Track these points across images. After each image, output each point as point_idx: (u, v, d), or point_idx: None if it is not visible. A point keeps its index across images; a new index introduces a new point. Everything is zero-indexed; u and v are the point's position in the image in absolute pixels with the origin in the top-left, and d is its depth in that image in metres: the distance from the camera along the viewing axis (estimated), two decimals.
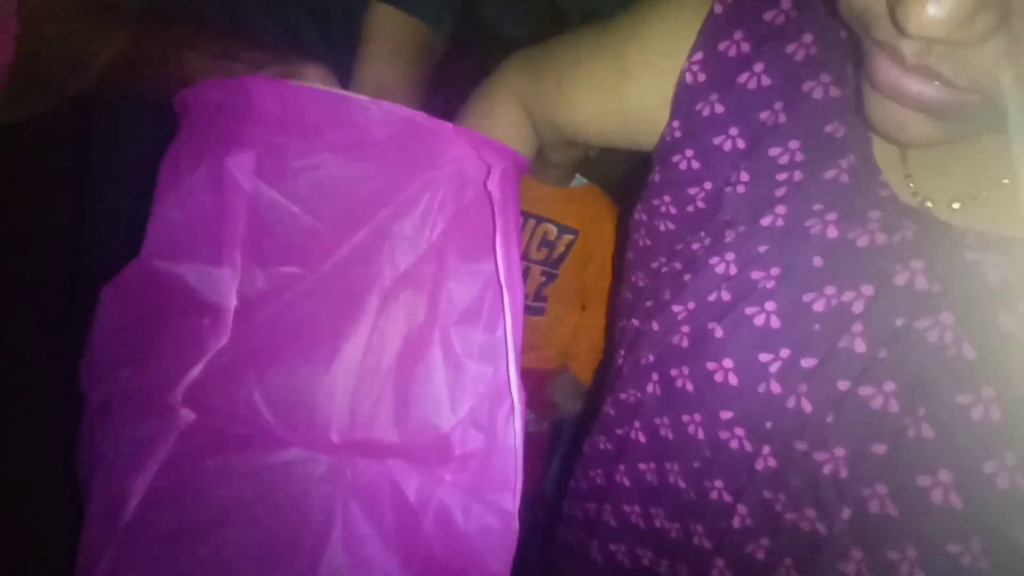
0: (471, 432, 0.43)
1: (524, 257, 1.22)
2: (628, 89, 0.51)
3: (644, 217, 0.53)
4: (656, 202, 0.51)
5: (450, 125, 0.45)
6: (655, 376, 0.47)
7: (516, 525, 0.42)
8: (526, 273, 1.23)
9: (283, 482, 0.42)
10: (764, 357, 0.41)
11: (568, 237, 1.28)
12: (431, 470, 0.43)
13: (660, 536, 0.51)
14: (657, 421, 0.48)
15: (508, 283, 0.43)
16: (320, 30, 0.71)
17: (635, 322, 0.52)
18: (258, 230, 0.44)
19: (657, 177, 0.51)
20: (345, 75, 0.66)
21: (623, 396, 0.51)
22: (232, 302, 0.44)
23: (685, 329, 0.45)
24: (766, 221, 0.43)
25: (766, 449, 0.42)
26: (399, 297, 0.44)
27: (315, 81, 0.52)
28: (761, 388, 0.41)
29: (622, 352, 0.53)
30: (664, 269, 0.50)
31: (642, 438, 0.50)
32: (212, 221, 0.45)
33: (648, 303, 0.50)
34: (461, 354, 0.43)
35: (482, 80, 0.63)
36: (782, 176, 0.43)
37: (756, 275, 0.42)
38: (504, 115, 0.60)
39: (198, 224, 0.45)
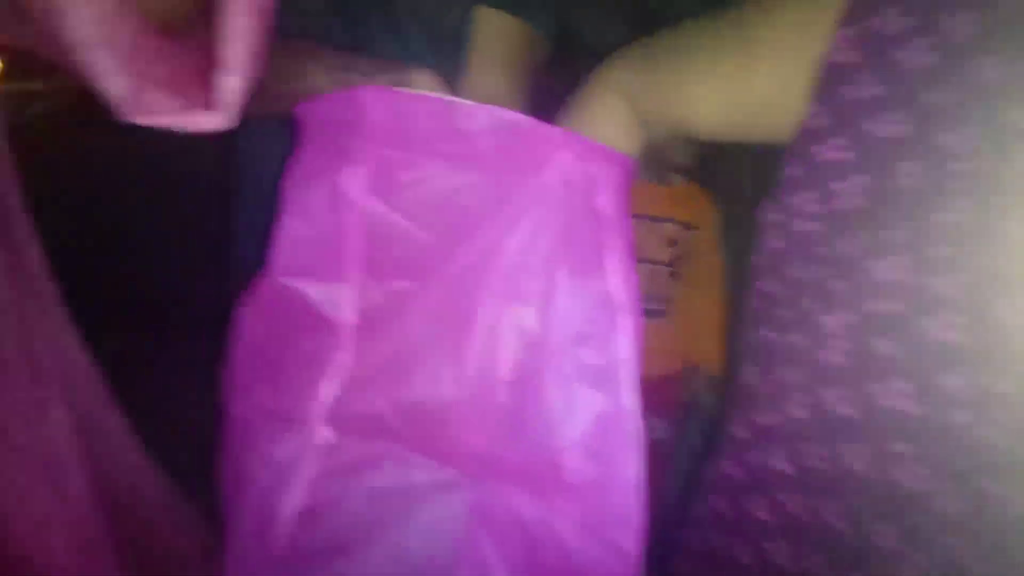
0: (584, 460, 0.41)
1: (647, 259, 1.20)
2: (758, 75, 0.46)
3: (777, 217, 0.48)
4: (793, 199, 0.46)
5: (558, 129, 0.44)
6: (801, 397, 0.42)
7: (637, 567, 0.39)
8: (649, 275, 1.20)
9: (419, 503, 0.43)
10: (947, 380, 0.36)
11: (689, 234, 1.25)
12: (548, 499, 0.42)
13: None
14: (804, 449, 0.43)
15: (626, 305, 0.41)
16: (430, 43, 0.71)
17: (770, 334, 0.47)
18: (374, 245, 0.45)
19: (795, 170, 0.46)
20: (455, 86, 0.66)
21: (758, 418, 0.46)
22: (352, 319, 0.45)
23: (841, 344, 0.40)
24: (944, 218, 0.37)
25: (950, 488, 0.37)
26: (510, 314, 0.43)
27: (424, 87, 0.52)
28: (944, 417, 0.36)
29: (753, 367, 0.48)
30: (804, 275, 0.45)
31: (786, 468, 0.45)
32: (331, 238, 0.46)
33: (784, 313, 0.46)
34: (572, 376, 0.41)
35: (570, 89, 0.60)
36: (959, 166, 0.38)
37: (935, 282, 0.37)
38: (610, 115, 0.57)
39: (319, 241, 0.46)
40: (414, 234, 0.45)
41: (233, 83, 0.34)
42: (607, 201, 0.43)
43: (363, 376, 0.44)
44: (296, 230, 0.47)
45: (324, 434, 0.44)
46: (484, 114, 0.43)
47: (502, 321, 0.43)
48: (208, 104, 0.34)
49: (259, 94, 0.60)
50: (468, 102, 0.44)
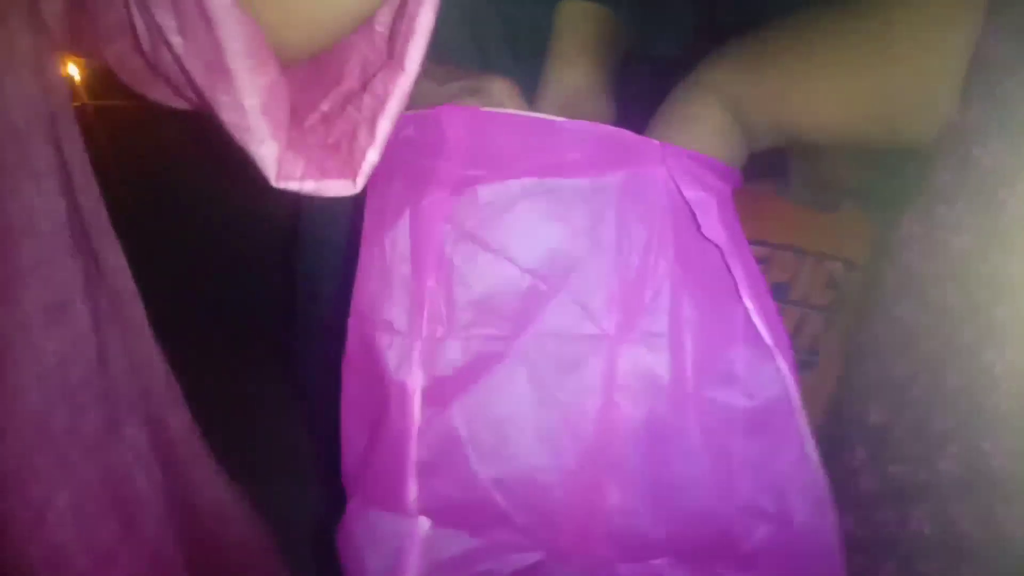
0: (756, 522, 0.36)
1: (800, 302, 1.02)
2: (893, 70, 0.41)
3: (920, 229, 0.42)
4: (942, 209, 0.40)
5: (656, 142, 0.39)
6: (954, 449, 0.37)
7: None
8: (799, 320, 1.04)
9: None
10: None
11: (855, 275, 1.05)
12: (711, 569, 0.37)
13: None
14: (953, 511, 0.37)
15: (773, 337, 0.36)
16: (508, 43, 0.68)
17: (903, 370, 0.41)
18: (450, 283, 0.40)
19: (945, 176, 0.40)
20: (533, 91, 0.62)
21: (892, 470, 0.41)
22: (417, 382, 0.40)
23: (1008, 387, 0.34)
24: None
25: None
26: (631, 359, 0.37)
27: (501, 97, 0.48)
28: None
29: (886, 410, 0.42)
30: (956, 302, 0.39)
31: (926, 529, 0.39)
32: (408, 279, 0.41)
33: (928, 345, 0.40)
34: (721, 428, 0.36)
35: (634, 103, 0.55)
36: None
37: None
38: (707, 123, 0.51)
39: (395, 283, 0.42)
40: (498, 265, 0.39)
41: (375, 156, 0.34)
42: (720, 222, 0.38)
43: (449, 449, 0.39)
44: (373, 268, 0.43)
45: (424, 525, 0.40)
46: (573, 129, 0.39)
47: (620, 367, 0.37)
48: (343, 173, 0.34)
49: None
50: (555, 118, 0.40)
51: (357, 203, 0.78)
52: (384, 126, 0.34)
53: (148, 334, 0.44)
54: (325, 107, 0.37)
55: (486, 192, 0.40)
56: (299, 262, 0.84)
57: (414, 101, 0.53)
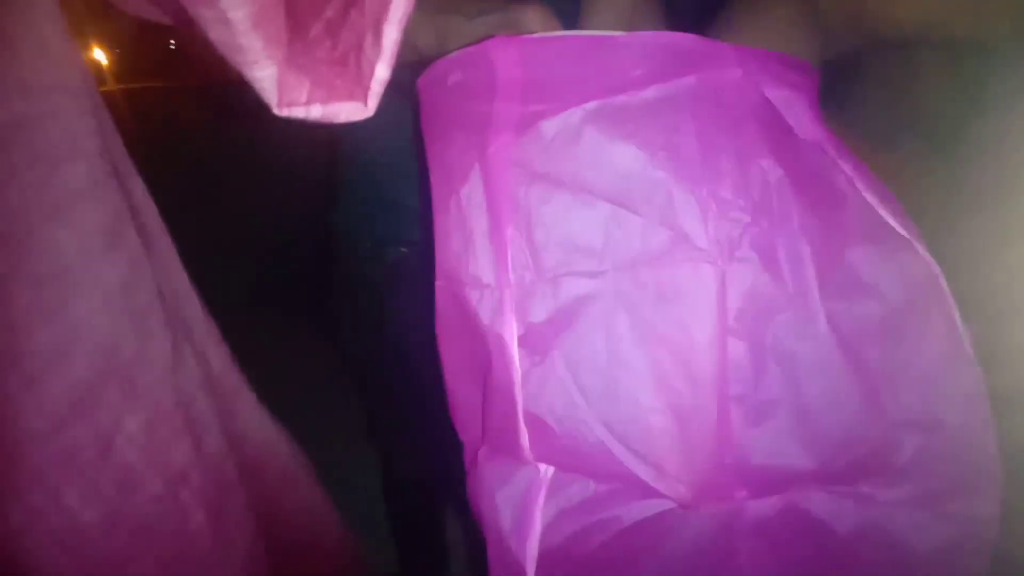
0: (905, 434, 0.34)
1: None
2: None
3: None
4: None
5: (726, 45, 0.36)
6: None
7: (993, 529, 0.33)
8: None
9: (670, 534, 0.37)
10: None
11: None
12: (858, 491, 0.34)
13: None
14: None
15: (906, 228, 0.33)
16: None
17: None
18: (530, 228, 0.38)
19: None
20: (568, 16, 0.60)
21: None
22: (514, 331, 0.38)
23: None
24: None
25: None
26: (741, 279, 0.34)
27: (536, 24, 0.46)
28: None
29: None
30: None
31: None
32: (485, 231, 0.40)
33: None
34: (856, 338, 0.34)
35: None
36: None
37: None
38: (780, 18, 0.48)
39: (472, 236, 0.40)
40: (579, 201, 0.37)
41: (385, 72, 0.31)
42: (814, 119, 0.35)
43: (559, 398, 0.37)
44: (448, 224, 0.41)
45: (546, 471, 0.39)
46: (632, 43, 0.36)
47: (729, 289, 0.34)
48: (353, 93, 0.31)
49: None
50: (610, 32, 0.37)
51: (389, 151, 0.75)
52: (391, 34, 0.30)
53: (180, 268, 0.44)
54: (330, 12, 0.34)
55: (549, 127, 0.38)
56: (334, 217, 0.84)
57: (447, 42, 0.51)
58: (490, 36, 0.39)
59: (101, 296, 0.36)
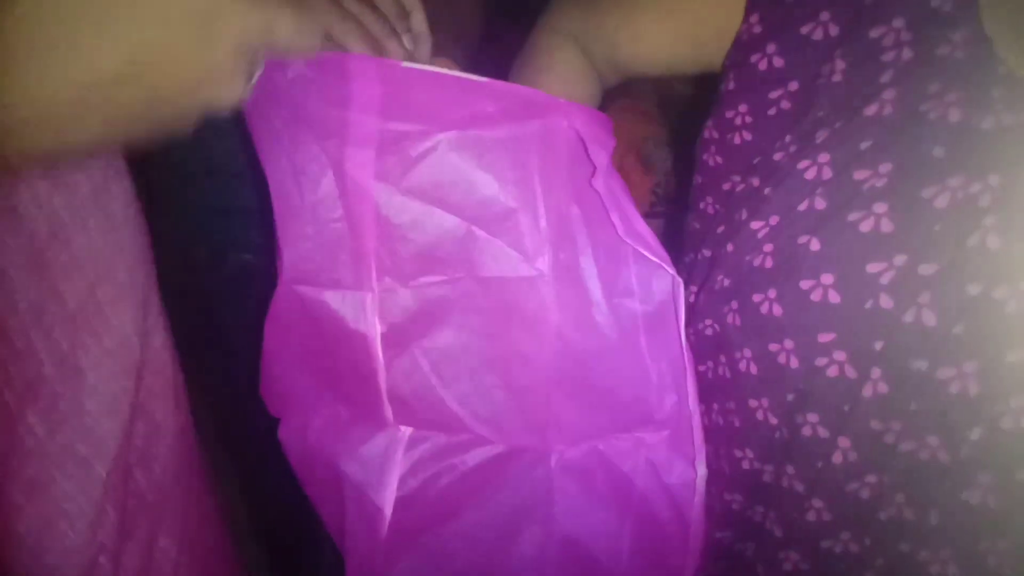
0: (665, 395, 0.46)
1: None
2: (700, 4, 0.48)
3: (715, 134, 0.49)
4: (730, 114, 0.47)
5: (561, 100, 0.43)
6: (734, 304, 0.43)
7: (705, 481, 0.47)
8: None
9: (502, 472, 0.47)
10: (873, 268, 0.37)
11: None
12: (636, 436, 0.47)
13: (750, 479, 0.47)
14: (738, 355, 0.44)
15: (657, 256, 0.43)
16: None
17: (706, 252, 0.48)
18: (391, 239, 0.43)
19: (731, 84, 0.47)
20: None
21: (700, 327, 0.48)
22: (376, 329, 0.44)
23: (768, 248, 0.41)
24: (871, 110, 0.39)
25: (875, 373, 0.38)
26: (562, 291, 0.44)
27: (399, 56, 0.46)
28: (869, 304, 0.38)
29: (693, 288, 0.49)
30: (739, 188, 0.46)
31: (726, 374, 0.46)
32: (343, 236, 0.43)
33: (720, 228, 0.46)
34: (631, 329, 0.45)
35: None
36: (887, 57, 0.39)
37: (860, 175, 0.38)
38: (566, 64, 0.55)
39: (329, 241, 0.43)
40: (433, 215, 0.42)
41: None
42: (607, 174, 0.43)
43: (418, 382, 0.45)
44: (299, 229, 0.43)
45: (404, 431, 0.47)
46: (486, 86, 0.41)
47: (555, 300, 0.44)
48: None
49: None
50: (469, 75, 0.41)
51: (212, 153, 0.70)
52: None
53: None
54: None
55: (415, 148, 0.41)
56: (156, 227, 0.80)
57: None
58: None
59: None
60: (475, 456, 0.47)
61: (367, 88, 0.39)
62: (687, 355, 0.45)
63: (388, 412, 0.47)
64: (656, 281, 0.45)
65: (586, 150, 0.44)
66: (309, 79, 0.39)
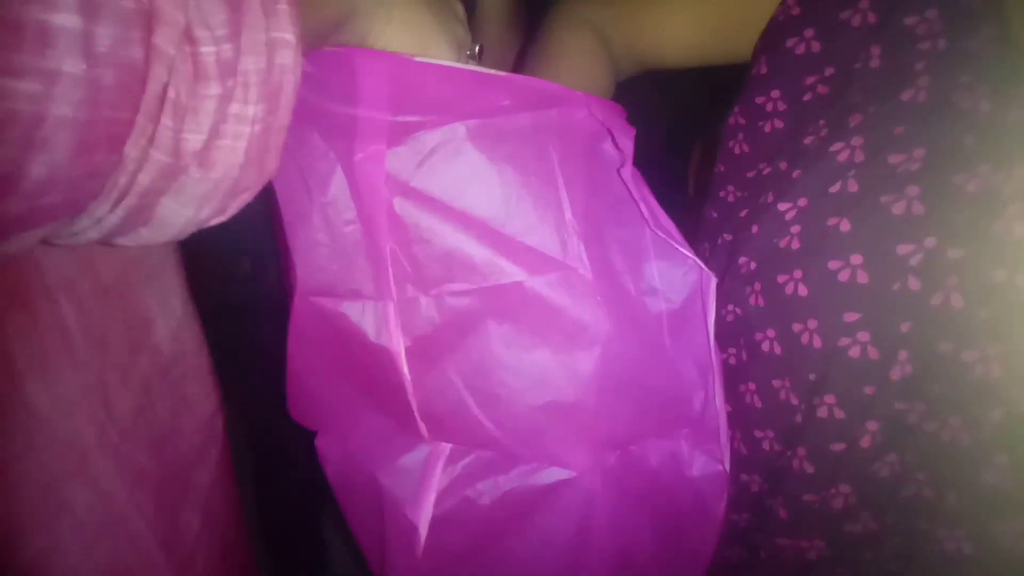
0: (695, 391, 0.45)
1: None
2: None
3: (743, 120, 0.48)
4: (760, 99, 0.46)
5: (580, 93, 0.41)
6: (757, 285, 0.43)
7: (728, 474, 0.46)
8: None
9: (546, 492, 0.44)
10: (903, 249, 0.38)
11: None
12: (676, 434, 0.46)
13: (770, 460, 0.47)
14: (760, 336, 0.44)
15: (684, 249, 0.41)
16: None
17: (727, 236, 0.48)
18: (408, 240, 0.39)
19: (763, 69, 0.46)
20: None
21: (722, 314, 0.47)
22: (400, 344, 0.40)
23: (795, 229, 0.41)
24: (906, 96, 0.39)
25: (902, 355, 0.38)
26: (600, 287, 0.41)
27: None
28: (896, 285, 0.38)
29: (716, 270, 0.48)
30: (765, 172, 0.45)
31: (745, 357, 0.46)
32: (358, 241, 0.39)
33: (743, 212, 0.46)
34: (657, 330, 0.43)
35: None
36: (923, 46, 0.40)
37: (894, 159, 0.39)
38: (580, 50, 0.52)
39: (344, 247, 0.40)
40: (458, 217, 0.38)
41: None
42: (629, 149, 0.41)
43: (451, 401, 0.41)
44: (311, 235, 0.40)
45: (443, 446, 0.44)
46: (501, 80, 0.39)
47: (589, 300, 0.41)
48: None
49: None
50: (482, 69, 0.39)
51: None
52: None
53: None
54: None
55: (429, 139, 0.37)
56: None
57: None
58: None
59: None
60: (517, 474, 0.44)
61: (375, 82, 0.36)
62: (715, 353, 0.44)
63: (423, 429, 0.43)
64: (681, 277, 0.44)
65: (613, 139, 0.42)
66: (312, 76, 0.36)
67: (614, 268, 0.42)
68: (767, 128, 0.46)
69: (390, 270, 0.39)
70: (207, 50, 0.25)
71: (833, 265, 0.39)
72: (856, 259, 0.39)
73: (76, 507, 0.32)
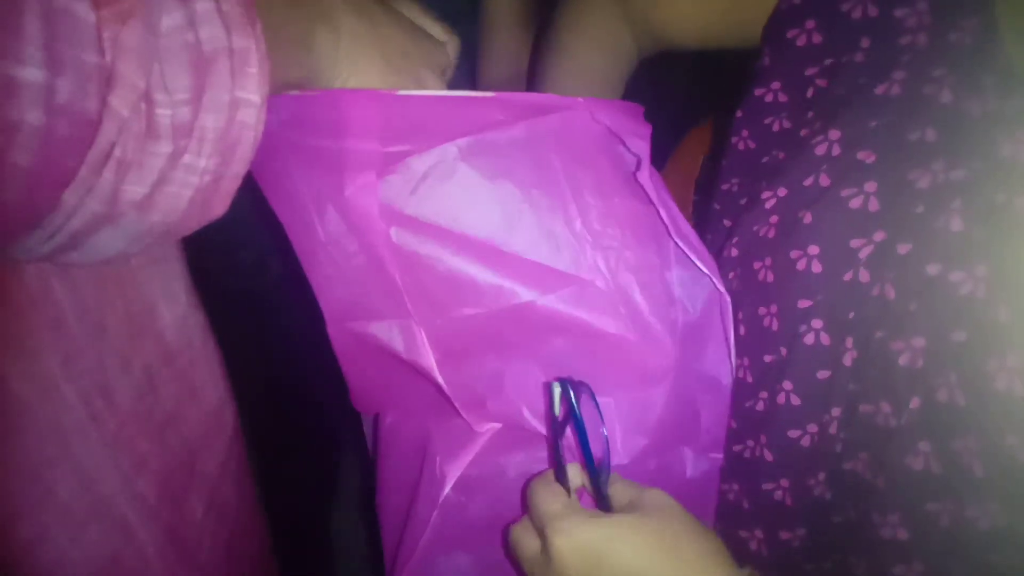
0: (705, 407, 0.45)
1: None
2: None
3: (748, 115, 0.48)
4: (760, 91, 0.46)
5: (580, 100, 0.39)
6: (737, 271, 0.44)
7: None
8: None
9: None
10: (856, 243, 0.39)
11: None
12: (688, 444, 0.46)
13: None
14: (736, 317, 0.45)
15: (703, 262, 0.41)
16: None
17: (726, 222, 0.48)
18: (413, 267, 0.38)
19: (767, 60, 0.46)
20: None
21: None
22: (431, 360, 0.40)
23: (773, 219, 0.42)
24: (881, 89, 0.39)
25: (848, 341, 0.39)
26: (619, 297, 0.40)
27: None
28: (847, 276, 0.39)
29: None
30: (764, 161, 0.46)
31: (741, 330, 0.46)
32: (368, 272, 0.39)
33: (743, 201, 0.46)
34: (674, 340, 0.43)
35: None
36: (905, 40, 0.40)
37: (862, 154, 0.39)
38: (593, 38, 0.51)
39: (356, 280, 0.40)
40: (457, 241, 0.37)
41: None
42: (649, 167, 0.40)
43: (484, 396, 0.43)
44: (323, 271, 0.40)
45: (493, 425, 0.44)
46: (494, 99, 0.37)
47: (599, 301, 0.40)
48: None
49: None
50: (471, 93, 0.37)
51: None
52: None
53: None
54: None
55: (420, 163, 0.36)
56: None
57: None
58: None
59: None
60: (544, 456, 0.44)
61: (362, 115, 0.36)
62: (731, 373, 0.44)
63: (471, 421, 0.44)
64: (700, 288, 0.43)
65: (623, 143, 0.40)
66: (298, 117, 0.35)
67: (632, 277, 0.41)
68: (776, 128, 0.46)
69: (405, 298, 0.39)
70: (163, 112, 0.25)
71: (794, 254, 0.41)
72: (813, 249, 0.40)
73: (60, 493, 0.33)
